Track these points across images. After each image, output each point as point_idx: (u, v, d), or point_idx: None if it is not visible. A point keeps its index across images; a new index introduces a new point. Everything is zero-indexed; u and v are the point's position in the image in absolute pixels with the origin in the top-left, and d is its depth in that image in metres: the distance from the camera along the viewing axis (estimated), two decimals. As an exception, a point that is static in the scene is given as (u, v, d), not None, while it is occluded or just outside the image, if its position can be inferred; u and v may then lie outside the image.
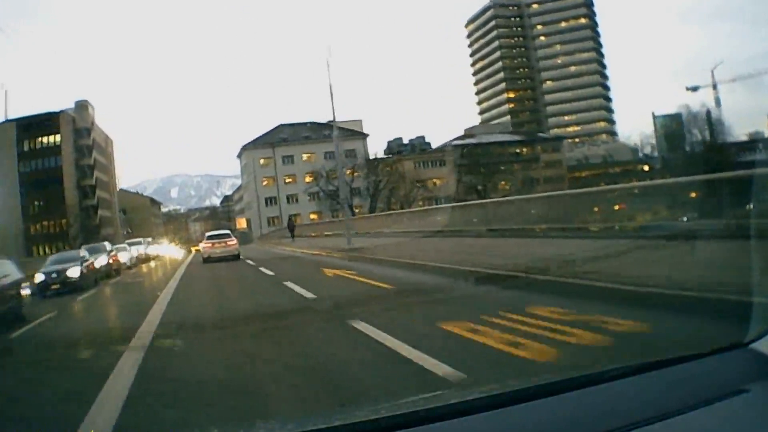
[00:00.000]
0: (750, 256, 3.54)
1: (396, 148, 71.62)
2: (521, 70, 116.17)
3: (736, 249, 5.92)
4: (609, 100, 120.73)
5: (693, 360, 1.59)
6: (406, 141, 75.97)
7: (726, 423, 1.33)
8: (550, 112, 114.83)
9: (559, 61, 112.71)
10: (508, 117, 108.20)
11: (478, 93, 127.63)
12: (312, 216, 68.14)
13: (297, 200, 69.86)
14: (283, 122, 72.27)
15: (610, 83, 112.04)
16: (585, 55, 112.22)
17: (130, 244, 30.25)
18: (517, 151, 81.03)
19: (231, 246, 21.37)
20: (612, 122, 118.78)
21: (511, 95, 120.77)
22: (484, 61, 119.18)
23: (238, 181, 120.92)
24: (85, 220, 73.38)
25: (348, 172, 62.35)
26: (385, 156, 71.60)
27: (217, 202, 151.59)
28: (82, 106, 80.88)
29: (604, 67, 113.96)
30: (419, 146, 73.23)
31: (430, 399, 1.60)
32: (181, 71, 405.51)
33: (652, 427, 1.28)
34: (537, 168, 76.71)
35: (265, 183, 70.70)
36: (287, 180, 70.55)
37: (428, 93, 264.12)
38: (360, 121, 75.79)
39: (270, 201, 70.20)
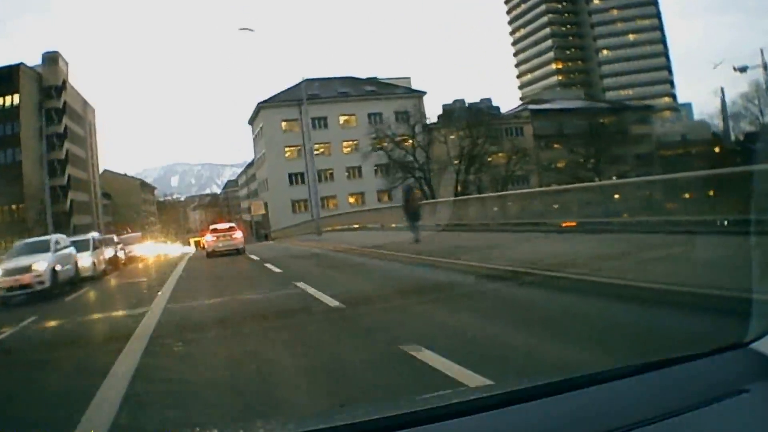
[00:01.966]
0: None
1: (458, 112, 54.55)
2: (572, 38, 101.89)
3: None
4: (671, 73, 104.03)
5: (693, 360, 1.58)
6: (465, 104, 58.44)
7: (726, 423, 1.32)
8: (607, 85, 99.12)
9: (618, 27, 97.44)
10: (557, 90, 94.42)
11: (518, 64, 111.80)
12: (350, 200, 51.26)
13: (332, 177, 52.88)
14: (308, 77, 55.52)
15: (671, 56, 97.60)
16: (646, 22, 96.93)
17: (77, 244, 17.33)
18: (602, 121, 64.36)
19: (236, 240, 21.32)
20: (674, 98, 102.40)
21: (560, 66, 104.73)
22: (527, 28, 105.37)
23: (240, 171, 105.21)
24: (50, 205, 56.45)
25: (406, 140, 45.52)
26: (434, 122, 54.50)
27: (218, 191, 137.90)
28: (50, 59, 63.63)
29: (664, 36, 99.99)
30: (487, 111, 56.30)
31: (430, 399, 1.58)
32: (182, 54, 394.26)
33: (652, 427, 1.28)
34: (625, 143, 60.88)
35: (288, 154, 53.45)
36: (319, 149, 53.37)
37: (458, 63, 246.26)
38: (408, 78, 58.80)
39: (294, 178, 52.92)
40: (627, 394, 1.47)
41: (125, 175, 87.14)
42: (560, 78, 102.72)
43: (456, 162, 46.31)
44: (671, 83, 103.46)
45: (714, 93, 70.53)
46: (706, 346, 1.63)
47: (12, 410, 4.02)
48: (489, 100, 60.10)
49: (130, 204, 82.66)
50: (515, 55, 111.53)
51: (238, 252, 20.68)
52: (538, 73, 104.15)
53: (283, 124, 52.61)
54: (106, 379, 4.31)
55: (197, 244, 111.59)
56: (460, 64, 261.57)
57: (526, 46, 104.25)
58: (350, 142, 53.50)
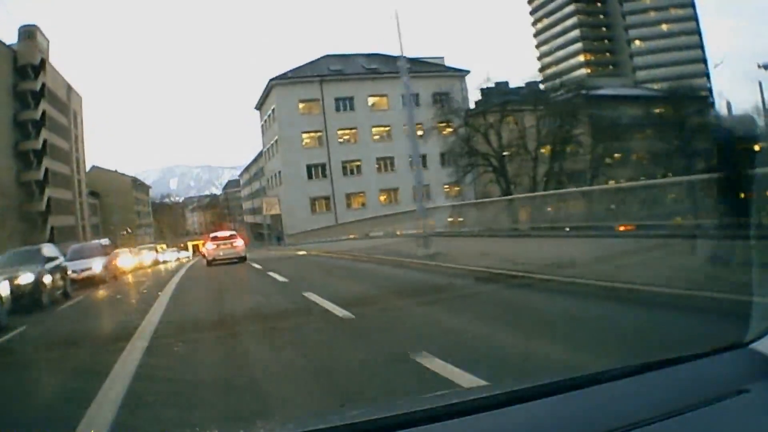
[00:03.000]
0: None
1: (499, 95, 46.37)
2: (602, 29, 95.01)
3: None
4: (707, 66, 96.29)
5: (693, 360, 1.58)
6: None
7: (726, 423, 1.31)
8: (640, 78, 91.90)
9: (651, 15, 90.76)
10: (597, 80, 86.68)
11: (541, 57, 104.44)
12: (381, 197, 43.03)
13: (359, 170, 44.47)
14: (329, 53, 47.09)
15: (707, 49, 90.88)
16: (680, 12, 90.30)
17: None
18: (656, 111, 56.50)
19: (237, 248, 20.85)
20: (710, 92, 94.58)
21: (589, 57, 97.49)
22: (551, 18, 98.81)
23: (237, 177, 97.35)
24: (22, 204, 48.33)
25: (446, 127, 37.22)
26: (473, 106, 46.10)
27: (218, 193, 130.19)
28: (27, 33, 55.26)
29: (699, 27, 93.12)
30: (532, 94, 48.10)
31: (430, 399, 1.58)
32: (181, 53, 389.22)
33: (652, 427, 1.27)
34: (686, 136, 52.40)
35: (306, 141, 44.86)
36: (343, 136, 44.94)
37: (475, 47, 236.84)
38: (441, 58, 50.67)
39: (314, 171, 44.37)
40: (627, 394, 1.45)
41: (116, 171, 78.59)
42: (588, 71, 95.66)
43: (533, 149, 37.17)
44: (707, 76, 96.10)
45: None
46: (706, 346, 1.62)
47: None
48: (536, 82, 51.76)
49: (121, 204, 74.25)
50: (537, 47, 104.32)
51: (239, 260, 20.25)
52: (563, 65, 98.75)
53: (301, 105, 44.07)
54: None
55: (196, 248, 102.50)
56: (475, 51, 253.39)
57: (550, 37, 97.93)
58: (381, 128, 45.02)
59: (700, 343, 1.78)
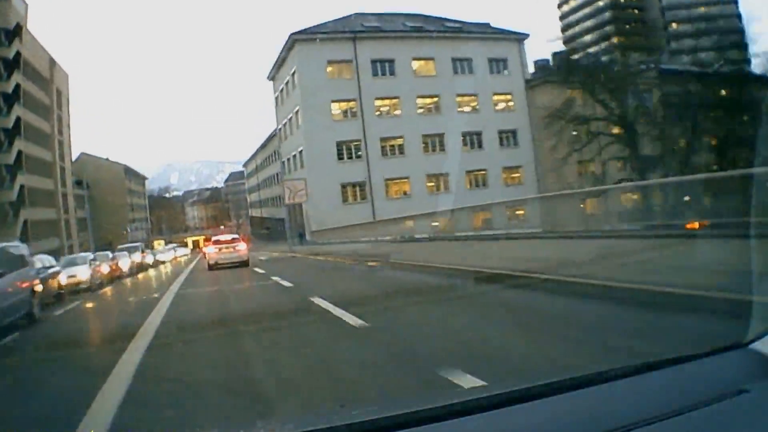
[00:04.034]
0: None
1: (562, 63, 38.93)
2: (635, 11, 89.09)
3: None
4: (744, 36, 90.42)
5: (693, 360, 1.57)
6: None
7: (726, 423, 1.31)
8: (673, 49, 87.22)
9: None
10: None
11: (567, 41, 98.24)
12: (428, 183, 35.41)
13: (401, 150, 36.43)
14: (359, 11, 38.81)
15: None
16: None
17: None
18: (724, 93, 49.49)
19: (239, 252, 20.20)
20: (749, 63, 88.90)
21: (622, 40, 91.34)
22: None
23: (240, 169, 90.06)
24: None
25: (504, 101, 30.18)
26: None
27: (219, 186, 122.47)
28: (-1, -9, 47.06)
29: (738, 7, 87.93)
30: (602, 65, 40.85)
31: (430, 399, 1.56)
32: (181, 44, 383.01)
33: (652, 427, 1.26)
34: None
35: (335, 112, 36.74)
36: (382, 108, 36.83)
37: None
38: (487, 24, 42.88)
39: (346, 150, 36.30)
40: (627, 394, 1.44)
41: (107, 159, 70.12)
42: (618, 40, 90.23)
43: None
44: (744, 47, 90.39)
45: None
46: (706, 346, 1.60)
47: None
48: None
49: (112, 196, 66.24)
50: (563, 30, 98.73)
51: (241, 264, 19.57)
52: (588, 38, 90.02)
53: (329, 68, 35.87)
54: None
55: (196, 245, 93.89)
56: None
57: (577, 20, 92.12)
58: (427, 99, 37.13)
59: None
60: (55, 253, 30.47)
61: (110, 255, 22.86)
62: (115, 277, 21.47)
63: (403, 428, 1.27)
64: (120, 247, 29.54)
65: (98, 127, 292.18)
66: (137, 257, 28.09)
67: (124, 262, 24.51)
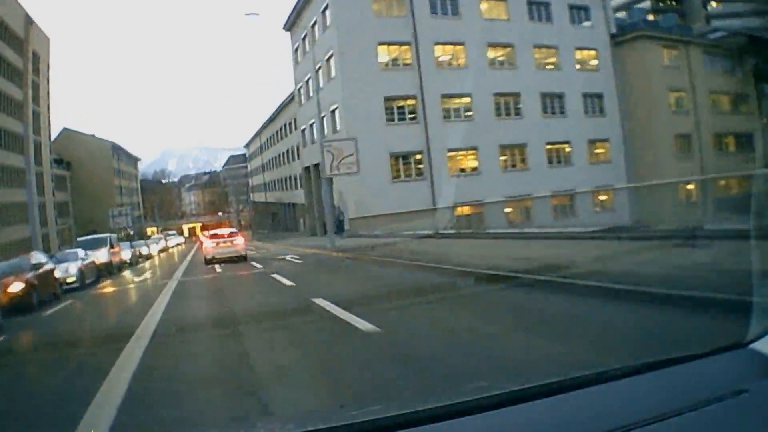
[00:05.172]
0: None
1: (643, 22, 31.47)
2: None
3: None
4: None
5: (693, 360, 1.57)
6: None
7: (726, 423, 1.31)
8: (712, 12, 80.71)
9: None
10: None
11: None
12: (501, 158, 27.90)
13: (468, 113, 28.70)
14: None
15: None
16: None
17: None
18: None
19: (237, 246, 19.62)
20: None
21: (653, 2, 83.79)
22: None
23: (240, 152, 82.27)
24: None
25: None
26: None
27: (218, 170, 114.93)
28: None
29: None
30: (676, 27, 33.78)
31: (430, 399, 1.55)
32: (181, 32, 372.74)
33: (652, 427, 1.26)
34: None
35: (384, 58, 28.46)
36: (443, 56, 28.83)
37: None
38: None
39: (395, 110, 28.56)
40: (626, 394, 1.45)
41: (93, 136, 61.64)
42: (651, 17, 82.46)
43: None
44: None
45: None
46: (706, 346, 1.60)
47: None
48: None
49: (99, 177, 58.09)
50: None
51: (239, 259, 18.96)
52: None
53: (374, 5, 27.83)
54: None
55: (192, 233, 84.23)
56: None
57: None
58: (499, 49, 29.46)
59: None
60: (23, 245, 22.02)
61: (42, 259, 14.07)
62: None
63: (403, 428, 1.26)
64: (79, 240, 21.82)
65: (98, 113, 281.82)
66: (102, 255, 19.74)
67: (70, 268, 15.54)
